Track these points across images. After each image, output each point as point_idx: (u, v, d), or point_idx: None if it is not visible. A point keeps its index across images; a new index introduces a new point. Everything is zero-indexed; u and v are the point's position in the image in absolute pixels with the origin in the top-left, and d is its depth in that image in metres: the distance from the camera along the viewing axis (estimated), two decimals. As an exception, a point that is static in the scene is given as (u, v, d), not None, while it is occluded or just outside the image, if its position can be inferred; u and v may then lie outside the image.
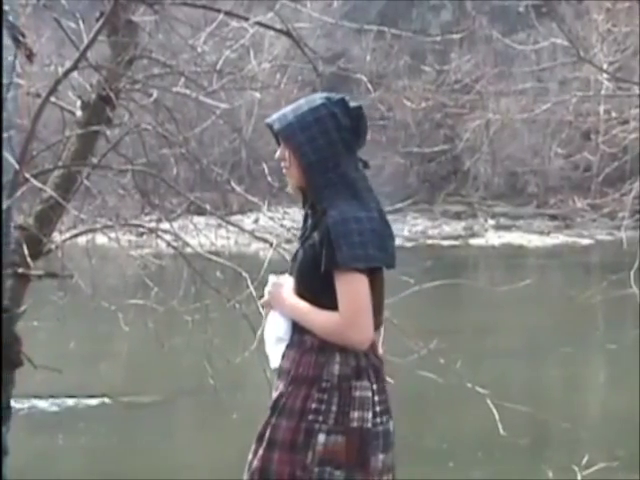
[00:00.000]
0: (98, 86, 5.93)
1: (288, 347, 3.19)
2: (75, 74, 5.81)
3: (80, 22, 6.20)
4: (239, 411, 9.23)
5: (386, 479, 3.16)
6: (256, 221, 21.57)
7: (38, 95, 5.78)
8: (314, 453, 3.06)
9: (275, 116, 3.22)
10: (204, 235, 7.00)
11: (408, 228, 29.37)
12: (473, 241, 28.60)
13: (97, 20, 5.51)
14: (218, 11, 6.23)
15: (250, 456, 3.21)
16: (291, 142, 3.17)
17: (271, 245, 6.25)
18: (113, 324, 6.93)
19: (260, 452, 3.16)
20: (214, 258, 6.32)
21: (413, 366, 6.37)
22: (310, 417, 3.08)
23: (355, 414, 3.09)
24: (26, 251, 5.34)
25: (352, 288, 3.05)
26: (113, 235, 6.36)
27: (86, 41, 5.30)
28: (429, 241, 28.26)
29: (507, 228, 29.94)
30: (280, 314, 3.24)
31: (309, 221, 3.21)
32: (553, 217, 30.83)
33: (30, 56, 4.64)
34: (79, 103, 6.02)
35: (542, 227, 29.85)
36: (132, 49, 5.92)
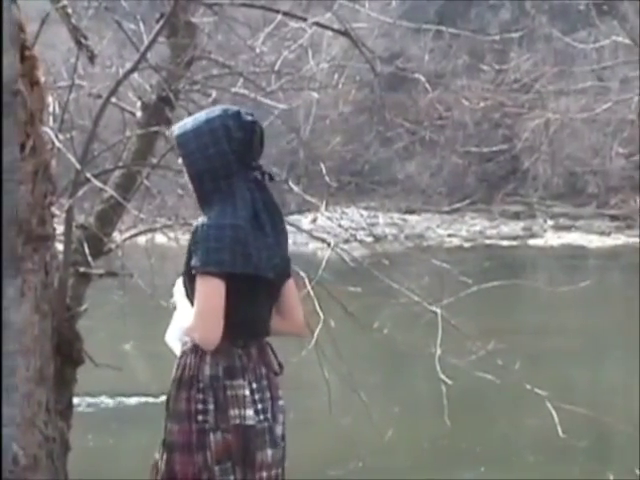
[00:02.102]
0: (158, 87, 5.98)
1: (181, 347, 3.32)
2: (135, 75, 5.86)
3: (140, 24, 6.26)
4: (297, 411, 9.24)
5: (275, 473, 3.25)
6: (314, 221, 21.55)
7: (99, 96, 5.84)
8: (211, 452, 3.16)
9: (178, 124, 3.38)
10: (262, 234, 7.01)
11: (466, 228, 29.21)
12: (532, 241, 28.35)
13: (157, 21, 5.55)
14: (277, 12, 6.25)
15: (156, 455, 3.33)
16: (183, 149, 3.30)
17: (329, 245, 6.26)
18: (172, 323, 6.97)
19: (164, 456, 3.27)
20: (272, 258, 6.33)
21: (471, 367, 6.34)
22: (199, 417, 3.19)
23: (234, 412, 3.17)
24: (87, 250, 5.40)
25: (203, 291, 3.15)
26: (172, 234, 6.41)
27: (146, 42, 5.35)
28: (487, 241, 28.07)
29: (567, 228, 29.65)
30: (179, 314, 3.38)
31: None
32: (614, 217, 30.45)
33: (92, 58, 4.69)
34: (139, 104, 6.07)
35: (602, 228, 29.50)
36: (191, 50, 5.97)
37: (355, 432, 8.52)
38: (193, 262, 3.18)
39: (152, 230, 6.28)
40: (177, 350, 3.35)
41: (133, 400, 10.82)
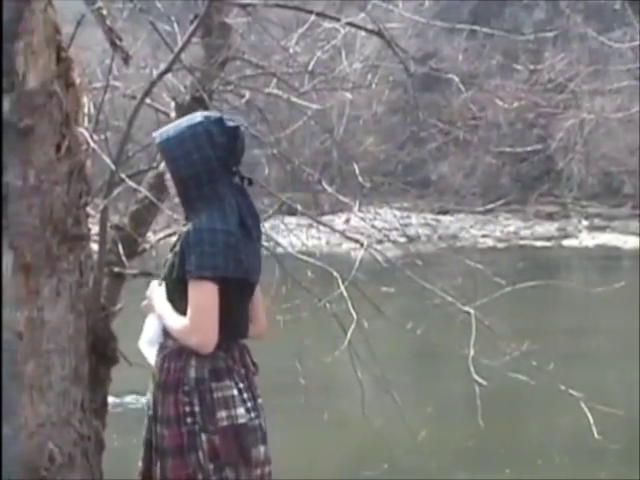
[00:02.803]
0: (192, 87, 6.00)
1: (158, 351, 3.35)
2: (169, 76, 5.89)
3: (175, 25, 6.29)
4: (330, 411, 9.25)
5: (268, 470, 3.33)
6: (347, 221, 21.57)
7: (133, 97, 5.88)
8: (203, 452, 3.19)
9: (160, 130, 3.42)
10: (295, 235, 7.04)
11: (500, 229, 29.11)
12: (566, 242, 28.21)
13: (191, 22, 5.57)
14: (310, 12, 6.25)
15: (140, 463, 3.38)
16: (167, 155, 3.34)
17: (362, 245, 6.26)
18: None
19: (156, 461, 3.30)
20: (305, 258, 6.35)
21: (505, 368, 6.32)
22: (188, 420, 3.22)
23: (222, 414, 3.21)
24: (122, 250, 5.43)
25: (198, 295, 3.18)
26: (206, 235, 6.42)
27: (180, 43, 5.37)
28: (521, 242, 27.96)
29: (601, 229, 29.47)
30: (155, 318, 3.40)
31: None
32: (649, 218, 30.20)
33: (126, 59, 4.72)
34: (173, 104, 6.10)
35: (638, 228, 29.27)
36: (225, 51, 5.99)
37: (388, 433, 8.50)
38: (187, 266, 3.20)
39: (186, 231, 6.30)
40: (152, 354, 3.37)
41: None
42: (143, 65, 6.71)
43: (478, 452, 8.76)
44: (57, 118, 4.42)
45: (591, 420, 6.13)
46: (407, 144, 30.87)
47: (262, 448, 3.29)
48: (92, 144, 4.96)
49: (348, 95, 7.54)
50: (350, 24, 6.26)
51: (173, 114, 6.09)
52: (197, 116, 3.38)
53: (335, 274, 6.05)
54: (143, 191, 5.62)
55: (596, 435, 6.20)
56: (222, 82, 6.13)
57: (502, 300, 6.58)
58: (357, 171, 6.71)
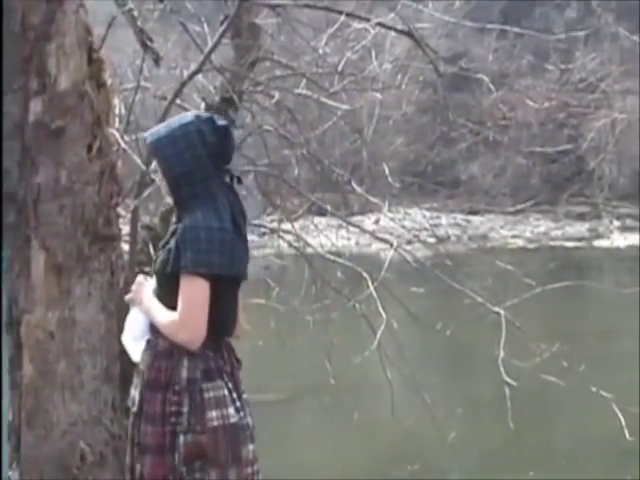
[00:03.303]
0: (222, 88, 6.02)
1: (145, 348, 3.35)
2: (200, 77, 5.91)
3: (205, 26, 6.31)
4: (360, 411, 9.24)
5: (257, 468, 3.34)
6: (377, 222, 21.58)
7: (164, 98, 5.90)
8: (179, 454, 3.21)
9: (150, 130, 3.43)
10: (325, 235, 7.04)
11: (530, 229, 28.95)
12: (597, 243, 28.01)
13: (221, 23, 5.59)
14: (340, 12, 6.25)
15: (128, 458, 3.37)
16: (159, 155, 3.36)
17: (392, 245, 6.25)
18: (235, 323, 7.00)
19: (137, 457, 3.32)
20: (335, 258, 6.35)
21: (535, 369, 6.29)
22: (172, 420, 3.23)
23: (212, 414, 3.23)
24: (152, 250, 5.45)
25: (190, 291, 3.20)
26: (236, 235, 6.44)
27: (210, 44, 5.39)
28: (552, 243, 27.79)
29: (633, 230, 29.22)
30: (140, 313, 3.39)
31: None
32: (682, 218, 29.95)
33: (157, 60, 4.75)
34: (203, 105, 6.12)
35: (670, 229, 29.03)
36: (255, 51, 6.00)
37: (418, 433, 8.49)
38: (183, 262, 3.21)
39: (216, 230, 6.31)
40: (137, 350, 3.38)
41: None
42: (173, 66, 6.73)
43: (508, 453, 8.72)
44: (88, 119, 4.45)
45: (623, 422, 6.10)
46: (437, 144, 30.77)
47: (251, 447, 3.32)
48: (123, 145, 4.99)
49: (378, 95, 7.53)
50: (380, 24, 6.26)
51: (203, 115, 6.11)
52: (188, 115, 3.43)
53: (364, 274, 6.05)
54: (174, 191, 5.63)
55: (628, 437, 6.16)
56: (252, 83, 6.14)
57: (532, 301, 6.56)
58: (387, 171, 6.70)
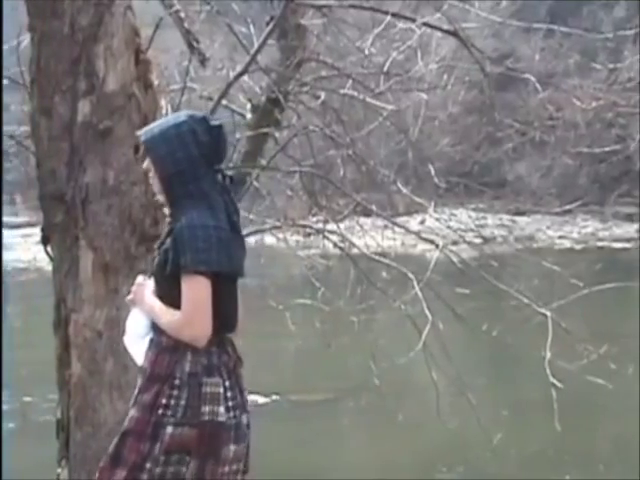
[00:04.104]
0: (267, 89, 6.04)
1: (148, 347, 3.37)
2: (246, 77, 5.94)
3: (251, 27, 6.33)
4: (404, 412, 9.23)
5: (235, 468, 3.37)
6: (422, 222, 21.48)
7: (210, 98, 5.94)
8: (162, 443, 3.25)
9: (145, 129, 3.45)
10: (370, 236, 7.03)
11: (578, 230, 28.71)
12: (646, 243, 27.70)
13: (267, 24, 5.61)
14: (385, 13, 6.25)
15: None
16: (152, 154, 3.38)
17: (437, 246, 6.23)
18: (281, 323, 7.04)
19: (115, 440, 3.37)
20: (380, 259, 6.34)
21: (582, 371, 6.24)
22: (160, 411, 3.28)
23: (206, 408, 3.27)
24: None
25: (193, 289, 3.24)
26: (281, 235, 6.47)
27: (256, 45, 5.41)
28: (599, 243, 27.54)
29: (682, 230, 28.90)
30: (140, 313, 3.42)
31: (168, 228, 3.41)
32: None
33: (203, 61, 4.77)
34: (249, 106, 6.15)
35: None
36: (301, 52, 6.02)
37: (463, 435, 8.45)
38: (182, 261, 3.25)
39: (261, 231, 6.35)
40: (138, 349, 3.40)
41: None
42: (220, 67, 6.77)
43: (555, 456, 8.66)
44: (136, 120, 4.48)
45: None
46: (483, 144, 30.62)
47: (232, 447, 3.34)
48: (170, 145, 5.01)
49: (424, 96, 7.51)
50: (426, 24, 6.25)
51: (249, 115, 6.14)
52: (182, 115, 3.45)
53: (410, 275, 6.03)
54: (219, 192, 5.65)
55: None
56: (298, 83, 6.15)
57: (579, 302, 6.50)
58: (432, 172, 6.68)
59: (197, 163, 3.35)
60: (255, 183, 6.11)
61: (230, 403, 3.34)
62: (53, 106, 4.35)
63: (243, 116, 6.24)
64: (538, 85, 7.01)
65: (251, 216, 6.29)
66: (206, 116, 3.44)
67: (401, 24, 6.64)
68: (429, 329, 6.04)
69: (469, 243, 7.15)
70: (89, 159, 4.37)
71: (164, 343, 3.33)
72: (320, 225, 6.45)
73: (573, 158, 30.61)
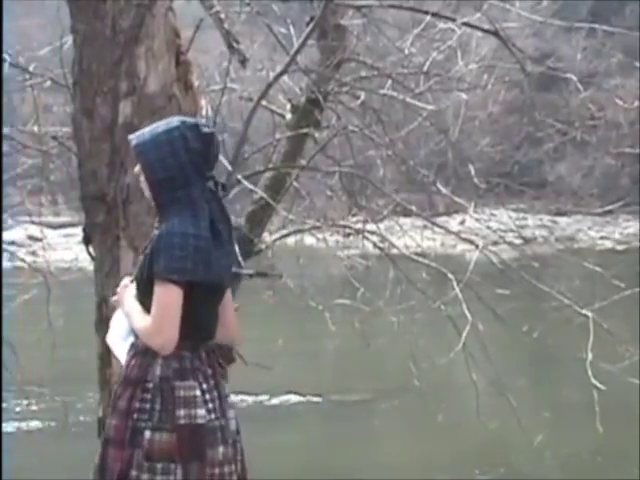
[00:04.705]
0: (307, 89, 6.04)
1: (129, 350, 3.38)
2: (285, 78, 5.94)
3: (291, 27, 6.34)
4: (444, 413, 9.20)
5: (227, 470, 3.32)
6: (462, 222, 21.46)
7: (250, 99, 5.95)
8: (142, 449, 3.23)
9: (136, 133, 3.42)
10: (410, 236, 7.02)
11: (619, 230, 28.49)
12: (689, 244, 27.42)
13: (307, 25, 5.61)
14: (425, 13, 6.23)
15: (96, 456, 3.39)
16: (142, 158, 3.36)
17: (477, 247, 6.21)
18: (320, 323, 7.04)
19: (99, 450, 3.35)
20: (420, 259, 6.33)
21: (624, 373, 6.20)
22: (135, 416, 3.27)
23: (182, 412, 3.24)
24: (238, 251, 5.49)
25: (163, 297, 3.22)
26: (321, 236, 6.47)
27: (296, 45, 5.42)
28: (642, 244, 27.30)
29: None
30: (123, 315, 3.43)
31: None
32: None
33: (243, 61, 4.78)
34: (289, 106, 6.15)
35: None
36: (340, 52, 6.01)
37: (503, 437, 8.41)
38: (156, 268, 3.24)
39: (301, 231, 6.35)
40: (121, 350, 3.41)
41: (283, 398, 10.95)
42: (260, 67, 6.79)
43: (595, 458, 8.60)
44: (176, 120, 4.50)
45: None
46: (524, 145, 30.46)
47: (221, 449, 3.31)
48: (210, 146, 5.03)
49: (464, 96, 7.50)
50: (466, 24, 6.22)
51: (289, 116, 6.14)
52: (174, 121, 3.42)
53: (450, 275, 6.01)
54: (259, 192, 5.68)
55: None
56: (337, 84, 6.15)
57: (621, 303, 6.46)
58: (472, 172, 6.66)
59: (187, 169, 3.32)
60: (295, 183, 6.12)
61: (210, 405, 3.31)
62: (95, 107, 4.38)
63: (283, 116, 6.25)
64: (579, 85, 6.97)
65: (291, 216, 6.30)
66: (198, 122, 3.43)
67: (441, 24, 6.62)
68: (469, 330, 6.01)
69: (509, 243, 7.11)
70: (130, 160, 4.39)
71: (139, 346, 3.34)
72: (360, 225, 6.44)
73: (615, 158, 30.38)
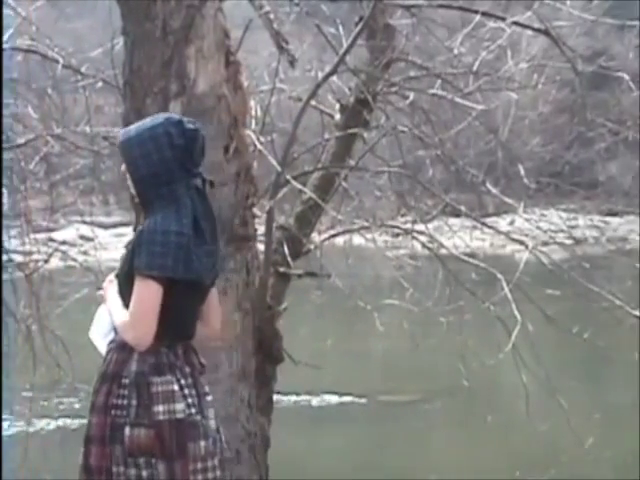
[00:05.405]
0: (356, 89, 6.04)
1: (108, 344, 3.39)
2: (334, 78, 5.94)
3: (340, 27, 6.34)
4: (494, 414, 9.16)
5: (211, 465, 3.31)
6: (512, 223, 21.30)
7: (299, 99, 5.96)
8: (123, 445, 3.23)
9: (124, 130, 3.45)
10: (459, 236, 6.99)
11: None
12: None
13: (356, 25, 5.61)
14: (475, 12, 6.20)
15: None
16: (126, 155, 3.36)
17: (527, 247, 6.17)
18: (369, 323, 7.04)
19: (82, 450, 3.34)
20: (469, 259, 6.30)
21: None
22: (113, 412, 3.27)
23: (160, 408, 3.24)
24: (287, 251, 5.51)
25: (141, 293, 3.22)
26: (369, 236, 6.46)
27: (345, 45, 5.42)
28: None
29: None
30: (106, 311, 3.43)
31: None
32: None
33: (292, 62, 4.79)
34: (338, 106, 6.15)
35: None
36: (389, 52, 6.00)
37: (553, 438, 8.35)
38: (136, 263, 3.24)
39: (350, 231, 6.35)
40: (102, 346, 3.41)
41: (331, 398, 10.96)
42: (308, 68, 6.79)
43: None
44: (225, 121, 4.53)
45: None
46: (574, 144, 30.20)
47: (202, 443, 3.30)
48: (259, 146, 5.06)
49: (513, 95, 7.46)
50: (516, 23, 6.19)
51: (338, 116, 6.14)
52: (159, 117, 3.44)
53: (499, 276, 5.98)
54: (308, 192, 5.69)
55: None
56: (386, 84, 6.14)
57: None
58: (522, 172, 6.62)
59: (171, 166, 3.32)
60: (344, 183, 6.12)
61: (189, 400, 3.32)
62: (145, 108, 4.42)
63: (332, 116, 6.25)
64: (632, 83, 6.89)
65: (339, 216, 6.30)
66: (182, 119, 3.41)
67: (491, 23, 6.58)
68: (518, 330, 5.98)
69: (560, 244, 7.05)
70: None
71: (116, 341, 3.35)
72: (408, 225, 6.42)
73: (668, 158, 29.99)
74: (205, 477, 3.31)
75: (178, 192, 3.33)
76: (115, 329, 3.38)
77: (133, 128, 3.42)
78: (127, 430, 3.25)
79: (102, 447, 3.29)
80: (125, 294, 3.32)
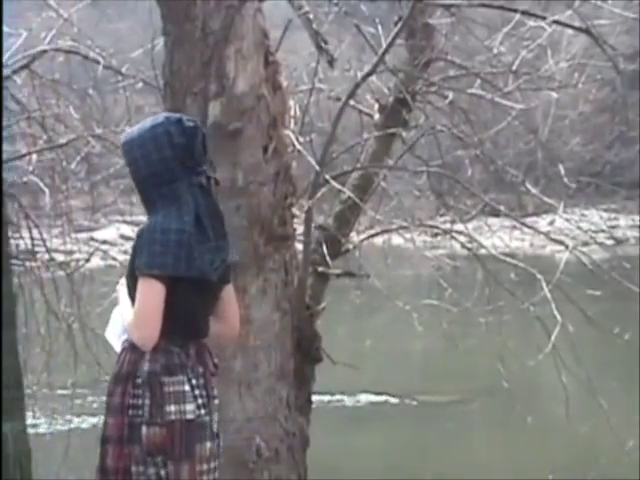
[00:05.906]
0: (395, 89, 6.03)
1: (122, 344, 3.39)
2: (373, 78, 5.94)
3: (379, 27, 6.34)
4: (533, 415, 9.10)
5: (213, 466, 3.32)
6: (552, 223, 21.15)
7: (338, 99, 5.96)
8: (141, 445, 3.24)
9: (127, 130, 3.48)
10: (498, 236, 6.97)
11: None
12: None
13: (395, 24, 5.60)
14: (515, 11, 6.17)
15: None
16: (128, 156, 3.39)
17: (567, 247, 6.13)
18: (408, 323, 7.02)
19: (98, 450, 3.34)
20: (508, 259, 6.27)
21: None
22: (130, 412, 3.27)
23: (171, 408, 3.24)
24: (325, 250, 5.51)
25: (144, 292, 3.23)
26: (408, 236, 6.45)
27: (384, 45, 5.41)
28: None
29: None
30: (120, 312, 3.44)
31: None
32: None
33: (331, 62, 4.79)
34: (377, 106, 6.15)
35: None
36: (428, 52, 5.99)
37: (594, 440, 8.30)
38: (137, 263, 3.26)
39: (388, 231, 6.34)
40: (117, 346, 3.42)
41: (370, 398, 10.96)
42: (348, 67, 6.78)
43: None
44: (265, 121, 4.54)
45: None
46: (615, 144, 29.99)
47: (208, 444, 3.31)
48: (298, 146, 5.07)
49: (554, 94, 7.40)
50: (556, 22, 6.15)
51: (377, 115, 6.14)
52: (159, 117, 3.45)
53: (539, 276, 5.95)
54: (347, 192, 5.69)
55: None
56: (425, 83, 6.13)
57: None
58: (562, 172, 6.57)
59: (171, 165, 3.34)
60: (382, 183, 6.11)
61: (200, 401, 3.32)
62: (185, 108, 4.44)
63: (371, 116, 6.25)
64: (673, 82, 6.83)
65: (378, 216, 6.29)
66: (182, 117, 3.43)
67: (531, 22, 6.55)
68: (558, 331, 5.94)
69: (600, 244, 7.01)
70: (219, 159, 4.43)
71: (129, 342, 3.36)
72: (447, 225, 6.41)
73: None
74: (208, 479, 3.33)
75: (179, 190, 3.35)
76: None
77: (135, 129, 3.45)
78: (144, 429, 3.26)
79: (120, 447, 3.31)
80: (133, 294, 3.35)
